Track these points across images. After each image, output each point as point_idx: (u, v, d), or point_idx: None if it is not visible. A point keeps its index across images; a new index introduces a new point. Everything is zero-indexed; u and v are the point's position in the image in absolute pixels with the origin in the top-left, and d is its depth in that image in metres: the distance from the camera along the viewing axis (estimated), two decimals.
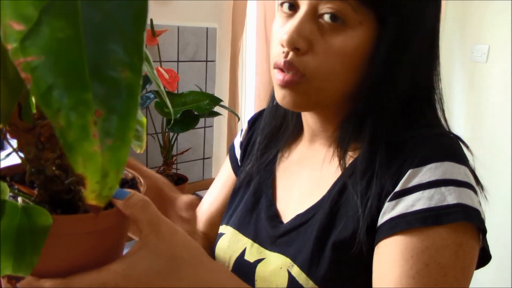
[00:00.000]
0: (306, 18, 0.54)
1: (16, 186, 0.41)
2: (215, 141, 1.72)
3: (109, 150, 0.25)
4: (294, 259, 0.58)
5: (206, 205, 0.80)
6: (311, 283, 0.56)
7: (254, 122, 0.78)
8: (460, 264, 0.50)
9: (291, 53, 0.55)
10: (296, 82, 0.55)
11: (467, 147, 0.59)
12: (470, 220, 0.50)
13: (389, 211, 0.52)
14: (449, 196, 0.50)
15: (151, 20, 1.36)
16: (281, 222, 0.64)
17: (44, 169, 0.38)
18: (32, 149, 0.38)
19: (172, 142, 1.42)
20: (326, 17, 0.53)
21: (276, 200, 0.67)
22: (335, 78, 0.55)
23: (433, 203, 0.50)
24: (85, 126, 0.24)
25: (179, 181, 1.44)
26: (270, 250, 0.62)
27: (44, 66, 0.24)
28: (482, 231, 0.53)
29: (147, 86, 1.36)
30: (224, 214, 0.74)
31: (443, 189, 0.51)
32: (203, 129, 1.65)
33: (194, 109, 1.32)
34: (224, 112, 1.66)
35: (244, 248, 0.65)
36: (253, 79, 1.90)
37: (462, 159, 0.54)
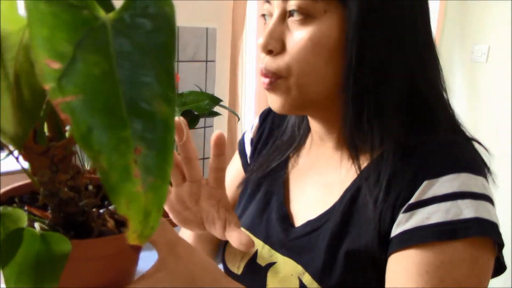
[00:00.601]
0: (277, 21, 0.55)
1: (26, 208, 0.40)
2: None
3: (151, 190, 0.24)
4: (305, 267, 0.57)
5: None
6: None
7: (265, 117, 0.76)
8: (476, 279, 0.49)
9: (266, 58, 0.56)
10: (275, 84, 0.55)
11: (485, 148, 0.58)
12: (487, 235, 0.49)
13: (403, 223, 0.51)
14: (466, 210, 0.49)
15: None
16: (292, 225, 0.62)
17: (58, 192, 0.37)
18: (46, 172, 0.37)
19: None
20: (293, 15, 0.53)
21: (287, 202, 0.65)
22: (313, 71, 0.54)
23: (449, 217, 0.49)
24: (126, 166, 0.23)
25: None
26: (281, 253, 0.61)
27: (83, 105, 0.23)
28: (499, 244, 0.52)
29: None
30: None
31: (459, 202, 0.49)
32: (203, 129, 1.65)
33: (194, 109, 1.32)
34: (224, 112, 1.66)
35: (256, 250, 0.64)
36: (253, 79, 1.90)
37: (479, 170, 0.52)
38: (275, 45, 0.54)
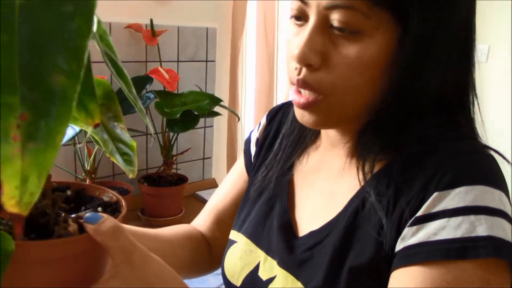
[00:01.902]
0: (316, 29, 0.49)
1: None
2: (215, 141, 1.72)
3: (30, 154, 0.24)
4: (305, 284, 0.54)
5: (214, 201, 0.76)
6: None
7: (273, 117, 0.72)
8: None
9: (304, 70, 0.51)
10: (314, 103, 0.51)
11: (507, 161, 0.53)
12: (502, 257, 0.44)
13: (409, 237, 0.47)
14: (480, 227, 0.44)
15: (151, 20, 1.36)
16: (295, 235, 0.59)
17: None
18: None
19: (172, 142, 1.42)
20: (338, 28, 0.48)
21: (291, 207, 0.62)
22: (355, 91, 0.50)
23: (459, 233, 0.44)
24: (5, 129, 0.24)
25: (179, 181, 1.44)
26: (281, 266, 0.58)
27: None
28: None
29: (147, 86, 1.35)
30: (235, 219, 0.69)
31: (472, 217, 0.44)
32: (203, 129, 1.65)
33: (194, 109, 1.32)
34: (224, 112, 1.66)
35: (258, 262, 0.61)
36: (253, 79, 1.90)
37: (497, 182, 0.47)
38: (315, 59, 0.49)
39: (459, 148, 0.49)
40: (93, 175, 1.27)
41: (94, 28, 0.42)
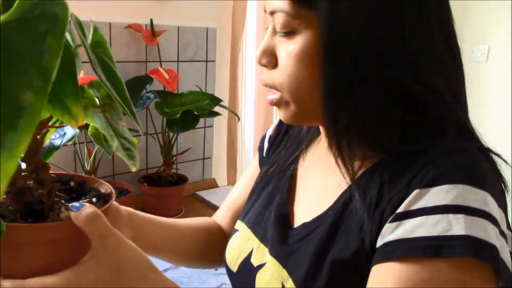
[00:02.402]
0: (270, 35, 0.56)
1: None
2: (215, 141, 1.72)
3: None
4: (290, 273, 0.56)
5: (232, 196, 0.80)
6: None
7: None
8: None
9: (264, 70, 0.57)
10: (276, 101, 0.56)
11: (506, 162, 0.51)
12: (479, 257, 0.43)
13: (388, 233, 0.47)
14: (457, 226, 0.44)
15: (151, 20, 1.36)
16: (290, 226, 0.62)
17: (14, 182, 0.43)
18: None
19: (172, 142, 1.42)
20: (278, 31, 0.54)
21: (291, 200, 0.65)
22: (302, 87, 0.53)
23: (436, 232, 0.44)
24: None
25: (179, 181, 1.44)
26: (271, 254, 0.60)
27: None
28: (500, 271, 0.44)
29: (147, 86, 1.36)
30: (243, 210, 0.73)
31: (450, 216, 0.44)
32: (203, 129, 1.65)
33: (194, 109, 1.32)
34: (224, 112, 1.66)
35: (251, 249, 0.64)
36: (253, 79, 1.90)
37: (483, 183, 0.46)
38: (268, 60, 0.56)
39: (449, 147, 0.49)
40: (93, 175, 1.27)
41: (90, 36, 0.48)
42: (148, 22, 1.37)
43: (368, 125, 0.52)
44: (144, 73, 1.39)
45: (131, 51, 1.39)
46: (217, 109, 1.39)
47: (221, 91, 1.71)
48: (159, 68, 1.34)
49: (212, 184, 1.70)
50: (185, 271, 1.09)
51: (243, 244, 0.66)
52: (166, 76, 1.33)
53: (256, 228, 0.66)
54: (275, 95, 0.56)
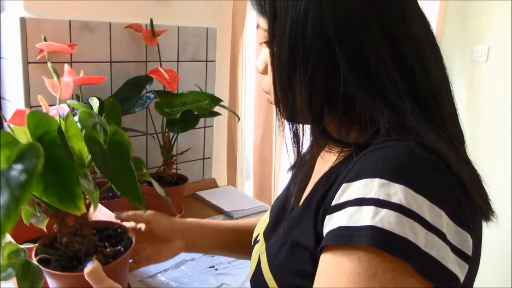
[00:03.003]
0: (262, 46, 0.64)
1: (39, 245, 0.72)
2: (215, 141, 1.72)
3: None
4: (266, 248, 0.66)
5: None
6: (269, 274, 0.62)
7: None
8: None
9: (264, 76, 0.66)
10: (271, 102, 0.64)
11: (450, 166, 0.50)
12: (380, 247, 0.44)
13: (326, 224, 0.51)
14: (366, 217, 0.46)
15: (151, 20, 1.36)
16: (294, 207, 0.68)
17: (63, 237, 0.68)
18: (57, 226, 0.68)
19: (172, 142, 1.42)
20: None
21: (303, 188, 0.70)
22: (279, 89, 0.59)
23: (350, 222, 0.47)
24: None
25: (179, 181, 1.44)
26: (263, 233, 0.71)
27: None
28: (426, 269, 0.44)
29: (147, 86, 1.35)
30: None
31: (363, 208, 0.47)
32: (203, 129, 1.65)
33: (194, 109, 1.32)
34: (224, 112, 1.66)
35: (264, 226, 0.74)
36: (253, 79, 1.90)
37: (404, 178, 0.47)
38: (260, 68, 0.65)
39: (389, 143, 0.51)
40: (93, 175, 1.27)
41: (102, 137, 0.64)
42: (148, 22, 1.37)
43: (320, 123, 0.58)
44: (144, 73, 1.39)
45: (131, 51, 1.39)
46: (217, 109, 1.39)
47: (221, 91, 1.71)
48: (159, 68, 1.34)
49: (212, 184, 1.70)
50: (185, 271, 1.09)
51: (261, 222, 0.78)
52: (166, 76, 1.33)
53: (272, 209, 0.76)
54: (269, 95, 0.65)
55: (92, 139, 0.60)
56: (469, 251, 0.48)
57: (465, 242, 0.48)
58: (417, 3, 0.58)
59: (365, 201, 0.47)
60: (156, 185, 0.79)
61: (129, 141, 0.65)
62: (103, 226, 0.79)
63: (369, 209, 0.46)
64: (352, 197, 0.49)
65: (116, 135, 0.63)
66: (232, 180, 1.85)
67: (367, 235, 0.45)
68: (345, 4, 0.53)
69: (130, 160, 0.64)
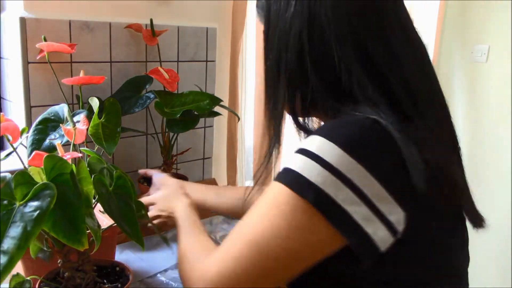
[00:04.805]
0: None
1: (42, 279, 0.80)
2: (215, 141, 1.72)
3: None
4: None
5: None
6: None
7: None
8: (266, 220, 0.57)
9: None
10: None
11: (393, 135, 0.57)
12: (284, 182, 0.57)
13: None
14: (293, 161, 0.58)
15: (151, 20, 1.36)
16: None
17: (65, 272, 0.75)
18: (61, 260, 0.75)
19: (172, 142, 1.42)
20: None
21: None
22: None
23: (287, 164, 0.59)
24: None
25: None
26: None
27: None
28: (324, 210, 0.55)
29: (147, 86, 1.35)
30: None
31: (297, 155, 0.58)
32: (203, 129, 1.65)
33: (194, 109, 1.32)
34: (224, 112, 1.66)
35: None
36: (253, 79, 1.90)
37: (334, 137, 0.56)
38: None
39: (350, 115, 0.60)
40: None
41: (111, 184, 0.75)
42: (148, 22, 1.37)
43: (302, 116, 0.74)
44: (144, 73, 1.39)
45: (131, 51, 1.39)
46: (217, 109, 1.39)
47: (221, 91, 1.71)
48: (159, 68, 1.34)
49: (212, 184, 1.70)
50: None
51: None
52: (166, 76, 1.33)
53: None
54: None
55: (99, 181, 0.69)
56: (399, 226, 0.55)
57: (395, 215, 0.55)
58: (397, 5, 0.66)
59: (301, 151, 0.58)
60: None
61: (133, 183, 0.76)
62: (103, 264, 0.87)
63: (298, 157, 0.58)
64: (299, 147, 0.59)
65: (120, 180, 0.74)
66: (232, 180, 1.85)
67: (282, 173, 0.59)
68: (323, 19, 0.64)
69: (132, 201, 0.74)
